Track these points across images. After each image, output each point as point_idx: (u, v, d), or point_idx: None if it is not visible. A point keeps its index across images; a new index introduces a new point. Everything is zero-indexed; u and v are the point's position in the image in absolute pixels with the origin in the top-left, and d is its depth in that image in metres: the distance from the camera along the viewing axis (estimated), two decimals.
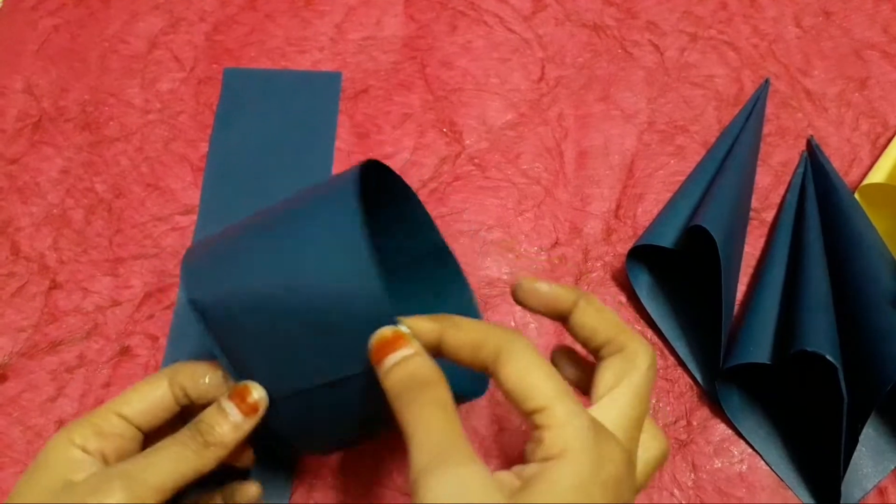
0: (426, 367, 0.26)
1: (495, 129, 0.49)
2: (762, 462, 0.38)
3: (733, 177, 0.43)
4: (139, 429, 0.30)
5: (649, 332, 0.42)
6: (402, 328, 0.27)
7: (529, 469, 0.24)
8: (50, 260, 0.44)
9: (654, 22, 0.53)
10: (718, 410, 0.39)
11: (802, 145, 0.48)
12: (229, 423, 0.29)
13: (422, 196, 0.46)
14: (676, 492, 0.38)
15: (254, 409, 0.29)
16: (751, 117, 0.48)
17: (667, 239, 0.41)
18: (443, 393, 0.26)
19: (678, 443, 0.39)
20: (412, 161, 0.47)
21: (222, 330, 0.30)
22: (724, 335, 0.39)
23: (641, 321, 0.42)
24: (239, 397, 0.29)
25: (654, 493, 0.38)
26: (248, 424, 0.29)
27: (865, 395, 0.35)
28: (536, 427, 0.24)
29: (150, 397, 0.30)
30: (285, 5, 0.54)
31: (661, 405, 0.40)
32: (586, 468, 0.23)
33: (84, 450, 0.29)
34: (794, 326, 0.37)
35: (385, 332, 0.27)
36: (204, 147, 0.48)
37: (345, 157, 0.47)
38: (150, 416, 0.30)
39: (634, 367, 0.27)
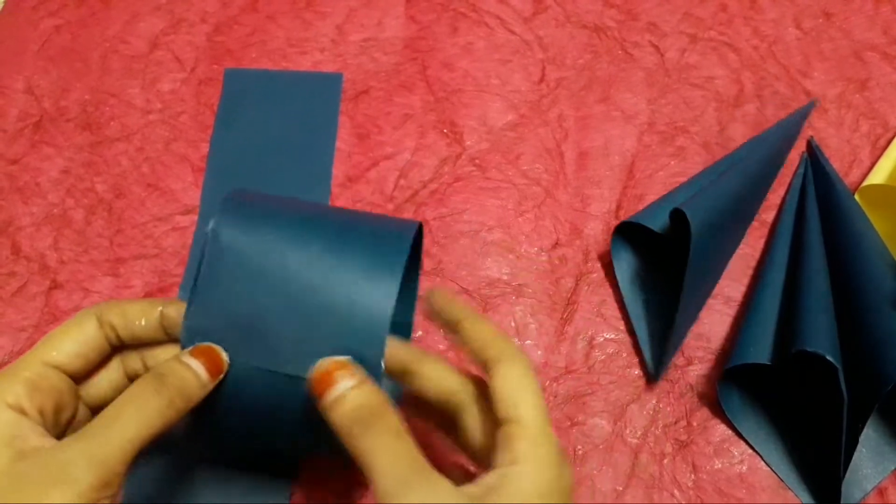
0: (372, 397, 0.26)
1: (496, 130, 0.49)
2: (762, 463, 0.38)
3: (736, 176, 0.43)
4: (73, 376, 0.28)
5: None
6: (343, 358, 0.27)
7: (492, 477, 0.25)
8: (50, 260, 0.44)
9: (654, 23, 0.53)
10: (718, 411, 0.39)
11: (803, 146, 0.48)
12: (197, 379, 0.27)
13: (422, 197, 0.46)
14: (677, 492, 0.38)
15: (219, 371, 0.27)
16: (782, 128, 0.47)
17: (654, 222, 0.41)
18: (393, 419, 0.26)
19: (678, 443, 0.39)
20: (413, 162, 0.47)
21: (222, 271, 0.28)
22: (685, 320, 0.39)
23: None
24: (204, 356, 0.27)
25: (655, 494, 0.38)
26: (211, 385, 0.27)
27: (866, 395, 0.35)
28: (510, 435, 0.26)
29: (80, 338, 0.28)
30: (286, 6, 0.54)
31: (661, 406, 0.40)
32: (549, 476, 0.25)
33: (21, 410, 0.25)
34: (794, 327, 0.37)
35: (323, 363, 0.27)
36: (205, 147, 0.48)
37: (345, 157, 0.48)
38: (84, 361, 0.28)
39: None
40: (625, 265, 0.43)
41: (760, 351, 0.38)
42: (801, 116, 0.49)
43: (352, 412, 0.26)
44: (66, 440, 0.25)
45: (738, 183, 0.43)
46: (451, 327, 0.30)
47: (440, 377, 0.29)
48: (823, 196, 0.45)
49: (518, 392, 0.27)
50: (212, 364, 0.27)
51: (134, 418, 0.25)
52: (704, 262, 0.40)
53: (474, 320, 0.29)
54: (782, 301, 0.40)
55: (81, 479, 0.23)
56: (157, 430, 0.25)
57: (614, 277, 0.44)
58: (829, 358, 0.34)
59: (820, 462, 0.38)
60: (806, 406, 0.39)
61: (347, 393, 0.26)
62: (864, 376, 0.35)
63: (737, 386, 0.40)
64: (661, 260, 0.43)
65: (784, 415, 0.39)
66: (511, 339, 0.30)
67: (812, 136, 0.48)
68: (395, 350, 0.29)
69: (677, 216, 0.39)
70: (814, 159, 0.47)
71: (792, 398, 0.39)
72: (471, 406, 0.29)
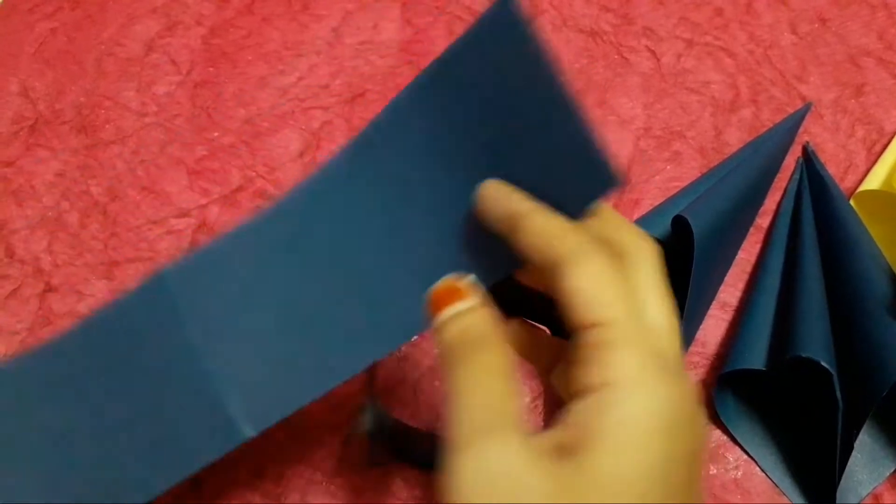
0: (482, 324, 0.22)
1: None
2: (757, 468, 0.38)
3: (734, 182, 0.43)
4: None
5: None
6: (464, 280, 0.24)
7: (577, 415, 0.19)
8: (45, 263, 0.44)
9: (650, 28, 0.53)
10: (714, 416, 0.39)
11: (798, 151, 0.48)
12: None
13: None
14: None
15: None
16: (778, 133, 0.47)
17: (656, 230, 0.41)
18: (495, 357, 0.22)
19: None
20: None
21: None
22: (693, 326, 0.39)
23: None
24: None
25: None
26: None
27: (861, 401, 0.35)
28: (599, 344, 0.20)
29: None
30: (282, 9, 0.54)
31: None
32: (660, 406, 0.19)
33: None
34: (789, 332, 0.37)
35: (442, 283, 0.24)
36: (200, 150, 0.48)
37: None
38: None
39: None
40: None
41: (756, 356, 0.38)
42: (797, 121, 0.49)
43: (455, 337, 0.22)
44: None
45: (737, 189, 0.43)
46: (508, 229, 0.23)
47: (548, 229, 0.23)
48: (819, 201, 0.45)
49: (598, 289, 0.20)
50: None
51: None
52: (707, 269, 0.40)
53: (539, 212, 0.23)
54: (778, 306, 0.40)
55: None
56: None
57: None
58: (823, 364, 0.34)
59: (815, 467, 0.37)
60: (801, 411, 0.39)
61: (457, 316, 0.23)
62: (859, 381, 0.35)
63: (732, 391, 0.40)
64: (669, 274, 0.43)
65: (779, 420, 0.39)
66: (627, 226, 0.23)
67: (808, 142, 0.48)
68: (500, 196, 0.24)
69: (679, 223, 0.39)
70: (809, 164, 0.47)
71: (787, 403, 0.39)
72: (581, 261, 0.21)
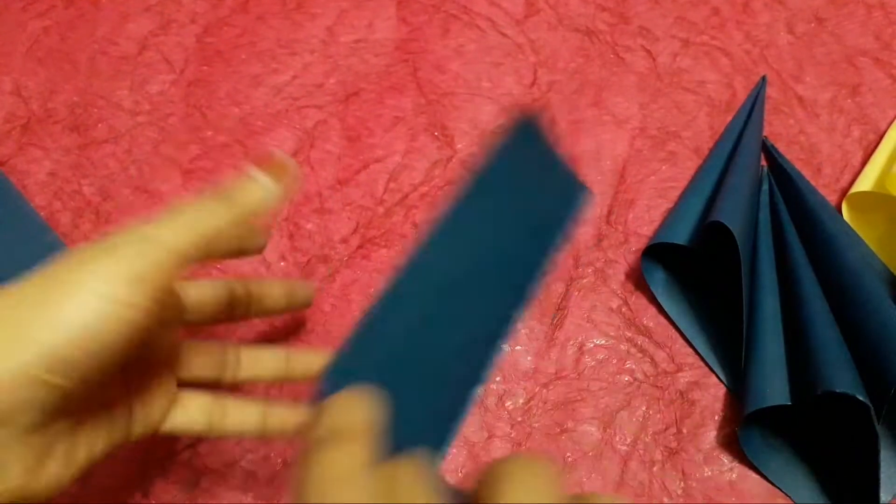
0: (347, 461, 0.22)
1: (487, 133, 0.49)
2: (752, 470, 0.38)
3: (741, 175, 0.43)
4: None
5: (639, 339, 0.42)
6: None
7: None
8: None
9: (646, 27, 0.53)
10: (708, 418, 0.39)
11: (795, 152, 0.48)
12: (256, 183, 0.28)
13: (412, 200, 0.46)
14: (666, 500, 0.37)
15: (282, 170, 0.29)
16: (751, 117, 0.47)
17: (681, 236, 0.41)
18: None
19: (668, 451, 0.39)
20: (403, 164, 0.47)
21: None
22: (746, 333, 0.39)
23: (633, 327, 0.42)
24: (265, 161, 0.28)
25: (644, 501, 0.37)
26: (274, 187, 0.28)
27: (876, 402, 0.34)
28: None
29: None
30: (277, 7, 0.54)
31: (650, 413, 0.40)
32: None
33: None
34: (810, 364, 0.36)
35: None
36: (194, 149, 0.47)
37: (335, 160, 0.47)
38: None
39: None
40: (661, 286, 0.42)
41: (778, 390, 0.37)
42: (762, 96, 0.49)
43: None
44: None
45: (748, 181, 0.43)
46: None
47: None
48: (791, 203, 0.44)
49: None
50: (273, 166, 0.29)
51: (190, 212, 0.26)
52: (749, 268, 0.40)
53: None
54: (785, 332, 0.39)
55: (126, 261, 0.24)
56: (211, 225, 0.26)
57: (605, 283, 0.43)
58: (860, 398, 0.33)
59: (831, 469, 0.37)
60: (818, 427, 0.38)
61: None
62: (869, 385, 0.35)
63: (756, 425, 0.38)
64: (689, 268, 0.43)
65: (802, 445, 0.39)
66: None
67: (766, 136, 0.48)
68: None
69: (711, 226, 0.39)
70: (773, 164, 0.47)
71: (806, 426, 0.39)
72: None
